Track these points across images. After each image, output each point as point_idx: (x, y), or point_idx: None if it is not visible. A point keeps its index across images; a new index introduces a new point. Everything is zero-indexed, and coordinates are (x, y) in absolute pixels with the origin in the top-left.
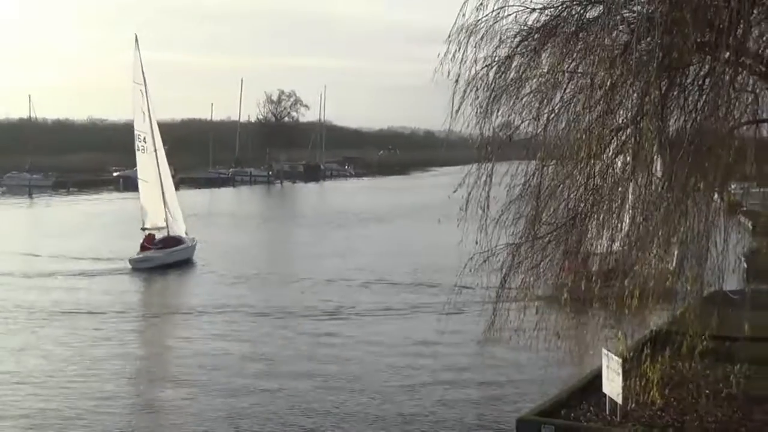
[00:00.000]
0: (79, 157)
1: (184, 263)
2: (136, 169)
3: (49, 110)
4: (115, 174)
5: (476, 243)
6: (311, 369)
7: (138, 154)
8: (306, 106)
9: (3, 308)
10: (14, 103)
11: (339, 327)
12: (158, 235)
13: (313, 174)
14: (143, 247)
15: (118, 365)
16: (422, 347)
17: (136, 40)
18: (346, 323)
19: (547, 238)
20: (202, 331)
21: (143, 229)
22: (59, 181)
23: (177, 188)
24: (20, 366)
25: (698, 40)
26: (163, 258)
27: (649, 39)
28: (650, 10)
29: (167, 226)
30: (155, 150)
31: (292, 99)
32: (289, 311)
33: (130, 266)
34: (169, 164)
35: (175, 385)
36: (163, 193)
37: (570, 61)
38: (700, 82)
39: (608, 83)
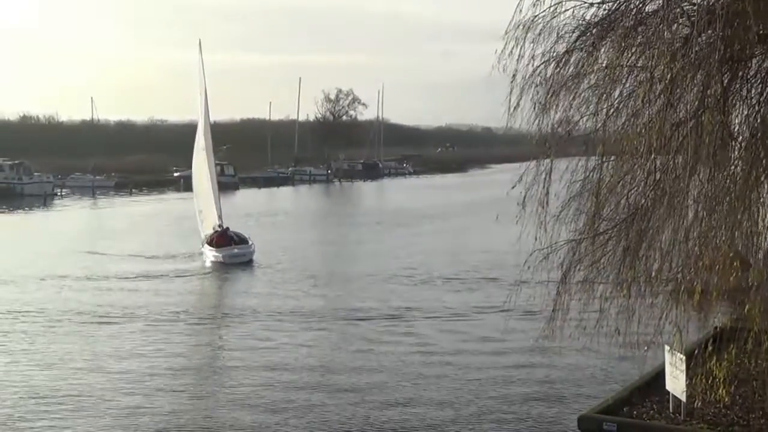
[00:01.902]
0: (141, 158)
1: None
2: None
3: (111, 112)
4: (175, 174)
5: (536, 240)
6: (362, 373)
7: (202, 154)
8: (364, 104)
9: (64, 310)
10: (77, 105)
11: (396, 328)
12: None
13: (372, 172)
14: (216, 243)
15: (156, 374)
16: (481, 345)
17: (200, 44)
18: (404, 324)
19: (608, 235)
20: (252, 334)
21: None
22: (121, 182)
23: (236, 188)
24: (90, 365)
25: (760, 31)
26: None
27: (710, 31)
28: (711, 2)
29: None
30: (209, 149)
31: (350, 97)
32: (346, 312)
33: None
34: (230, 164)
35: (213, 398)
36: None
37: (629, 55)
38: (762, 74)
39: (668, 77)
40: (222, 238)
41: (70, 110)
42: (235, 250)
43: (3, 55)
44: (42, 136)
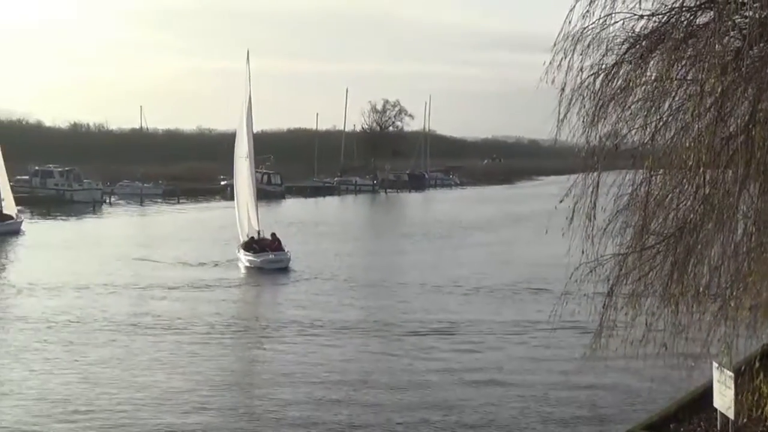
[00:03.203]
0: (189, 166)
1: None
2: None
3: (159, 120)
4: (222, 182)
5: (582, 253)
6: (404, 390)
7: (246, 162)
8: (410, 115)
9: (103, 319)
10: (127, 113)
11: (440, 343)
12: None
13: (418, 183)
14: (253, 249)
15: (192, 387)
16: (526, 360)
17: (248, 54)
18: (448, 338)
19: (656, 249)
20: (291, 347)
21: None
22: (169, 189)
23: (283, 197)
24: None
25: None
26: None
27: (761, 44)
28: (763, 15)
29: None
30: (251, 157)
31: (396, 108)
32: (388, 325)
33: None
34: (276, 173)
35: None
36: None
37: (679, 68)
38: None
39: (719, 90)
40: (258, 244)
41: (120, 118)
42: (271, 256)
43: (53, 64)
44: (92, 144)
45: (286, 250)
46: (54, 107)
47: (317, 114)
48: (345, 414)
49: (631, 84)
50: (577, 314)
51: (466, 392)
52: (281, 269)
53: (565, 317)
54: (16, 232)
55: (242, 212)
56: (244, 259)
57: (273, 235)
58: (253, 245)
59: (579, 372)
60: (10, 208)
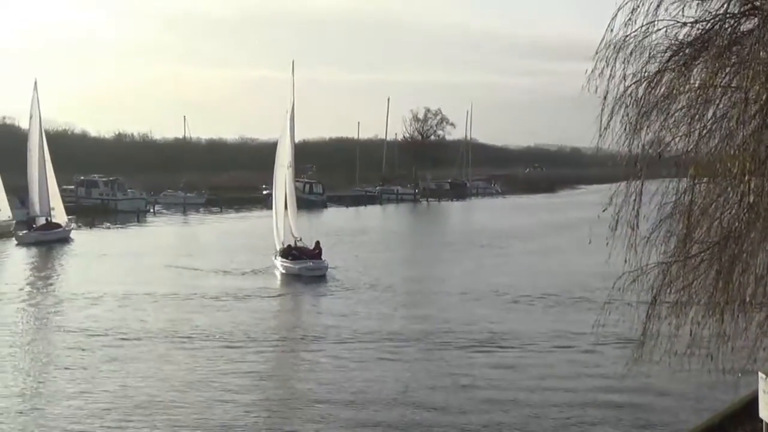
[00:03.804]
0: (231, 176)
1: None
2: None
3: (202, 130)
4: (264, 192)
5: (625, 262)
6: (445, 406)
7: (287, 171)
8: (452, 124)
9: (142, 329)
10: (170, 123)
11: (481, 354)
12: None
13: (459, 192)
14: (292, 256)
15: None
16: (569, 372)
17: (293, 65)
18: (489, 350)
19: (700, 257)
20: (329, 359)
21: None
22: (211, 198)
23: (324, 206)
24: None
25: None
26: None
27: None
28: None
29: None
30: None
31: (438, 117)
32: (429, 336)
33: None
34: (318, 182)
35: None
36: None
37: (723, 75)
38: None
39: (764, 98)
40: (297, 251)
41: (163, 128)
42: (310, 264)
43: (98, 75)
44: (136, 154)
45: (323, 259)
46: (98, 117)
47: (358, 123)
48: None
49: (674, 91)
50: (620, 324)
51: (507, 404)
52: (318, 277)
53: (608, 327)
54: (65, 239)
55: (280, 220)
56: (281, 266)
57: (317, 243)
58: (291, 252)
59: (622, 382)
60: (61, 216)
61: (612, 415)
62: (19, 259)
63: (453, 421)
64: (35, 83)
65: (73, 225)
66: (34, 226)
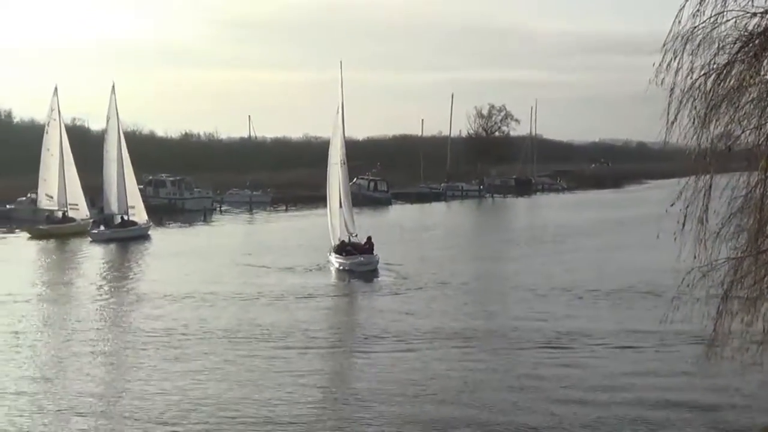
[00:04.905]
0: (296, 174)
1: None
2: (351, 183)
3: (267, 129)
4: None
5: (695, 257)
6: (513, 410)
7: (339, 168)
8: (516, 120)
9: (201, 328)
10: (236, 123)
11: (546, 353)
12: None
13: (524, 188)
14: (345, 251)
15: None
16: (638, 369)
17: (341, 64)
18: (554, 348)
19: None
20: (389, 359)
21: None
22: (277, 197)
23: (389, 203)
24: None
25: None
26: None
27: None
28: None
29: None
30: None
31: (502, 113)
32: (494, 335)
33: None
34: (383, 180)
35: None
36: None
37: None
38: None
39: None
40: (351, 247)
41: (229, 128)
42: (360, 259)
43: (165, 76)
44: (203, 153)
45: (375, 254)
46: (166, 117)
47: (422, 120)
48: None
49: (744, 83)
50: (690, 320)
51: (573, 404)
52: (370, 272)
53: (678, 323)
54: (142, 237)
55: (335, 217)
56: (335, 261)
57: (369, 239)
58: (345, 248)
59: (692, 381)
60: (140, 215)
61: (682, 415)
62: (92, 256)
63: (518, 422)
64: (113, 86)
65: (150, 223)
66: (105, 224)
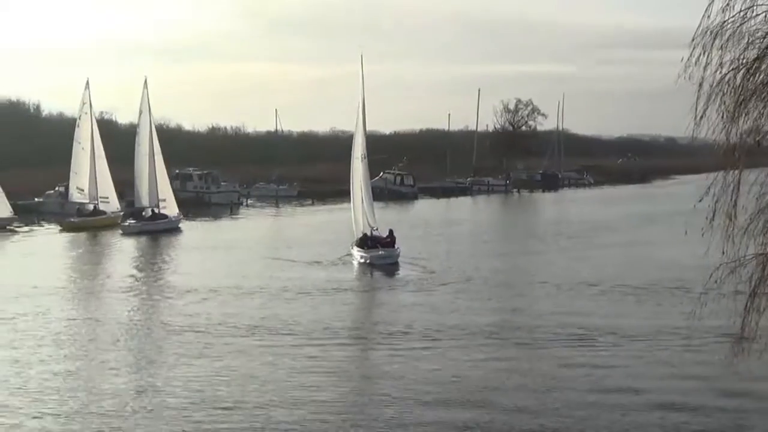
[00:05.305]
0: (323, 168)
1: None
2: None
3: (293, 123)
4: None
5: (723, 253)
6: (538, 412)
7: (361, 163)
8: (543, 114)
9: (224, 322)
10: (262, 117)
11: (571, 350)
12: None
13: (551, 183)
14: (367, 245)
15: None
16: (664, 368)
17: (361, 58)
18: (580, 345)
19: None
20: (411, 354)
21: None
22: (303, 191)
23: (415, 198)
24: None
25: None
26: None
27: None
28: None
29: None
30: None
31: (529, 108)
32: (518, 331)
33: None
34: (409, 174)
35: None
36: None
37: None
38: None
39: None
40: (372, 241)
41: (256, 121)
42: (381, 252)
43: (192, 69)
44: (229, 147)
45: (396, 247)
46: (192, 111)
47: (449, 115)
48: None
49: None
50: (717, 317)
51: (596, 406)
52: (391, 265)
53: (705, 320)
54: (172, 230)
55: (357, 211)
56: (357, 255)
57: (390, 232)
58: (367, 242)
59: (720, 378)
60: (172, 208)
61: (709, 414)
62: (122, 249)
63: (541, 422)
64: (145, 80)
65: (182, 216)
66: (143, 214)
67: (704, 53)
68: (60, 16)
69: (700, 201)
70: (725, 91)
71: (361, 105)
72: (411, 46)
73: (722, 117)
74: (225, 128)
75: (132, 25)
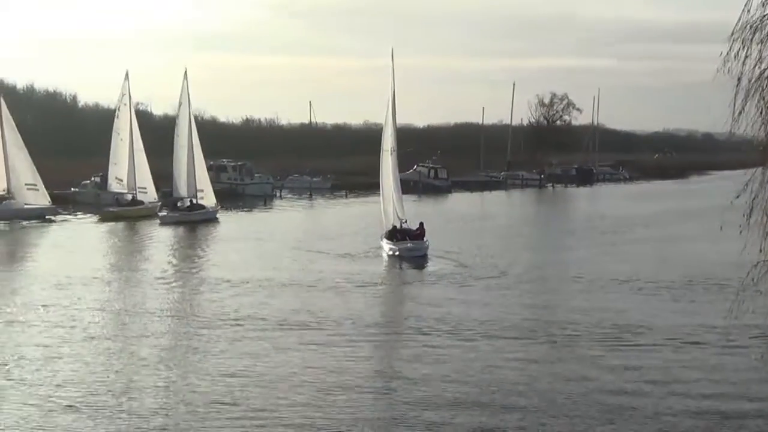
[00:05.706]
0: (356, 160)
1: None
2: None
3: (327, 115)
4: None
5: (761, 251)
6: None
7: (390, 156)
8: (578, 109)
9: (253, 315)
10: (296, 109)
11: (603, 348)
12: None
13: (586, 177)
14: (396, 237)
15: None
16: (699, 368)
17: (392, 52)
18: (612, 342)
19: None
20: (439, 350)
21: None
22: (337, 183)
23: (449, 191)
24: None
25: None
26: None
27: None
28: None
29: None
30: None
31: (564, 102)
32: (549, 328)
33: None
34: (443, 168)
35: None
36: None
37: None
38: None
39: None
40: (401, 233)
41: (290, 113)
42: (410, 245)
43: (226, 61)
44: (263, 139)
45: (425, 239)
46: (227, 103)
47: (483, 108)
48: None
49: None
50: (755, 316)
51: (630, 407)
52: (421, 257)
53: (742, 319)
54: (210, 221)
55: (387, 203)
56: (386, 247)
57: (421, 224)
58: (396, 234)
59: (756, 379)
60: (209, 199)
61: (745, 418)
62: (159, 239)
63: (572, 422)
64: (185, 72)
65: (219, 207)
66: (178, 204)
67: (743, 48)
68: (96, 6)
69: (738, 197)
70: (765, 86)
71: (391, 98)
72: (447, 39)
73: (761, 112)
74: (259, 120)
75: (168, 16)
